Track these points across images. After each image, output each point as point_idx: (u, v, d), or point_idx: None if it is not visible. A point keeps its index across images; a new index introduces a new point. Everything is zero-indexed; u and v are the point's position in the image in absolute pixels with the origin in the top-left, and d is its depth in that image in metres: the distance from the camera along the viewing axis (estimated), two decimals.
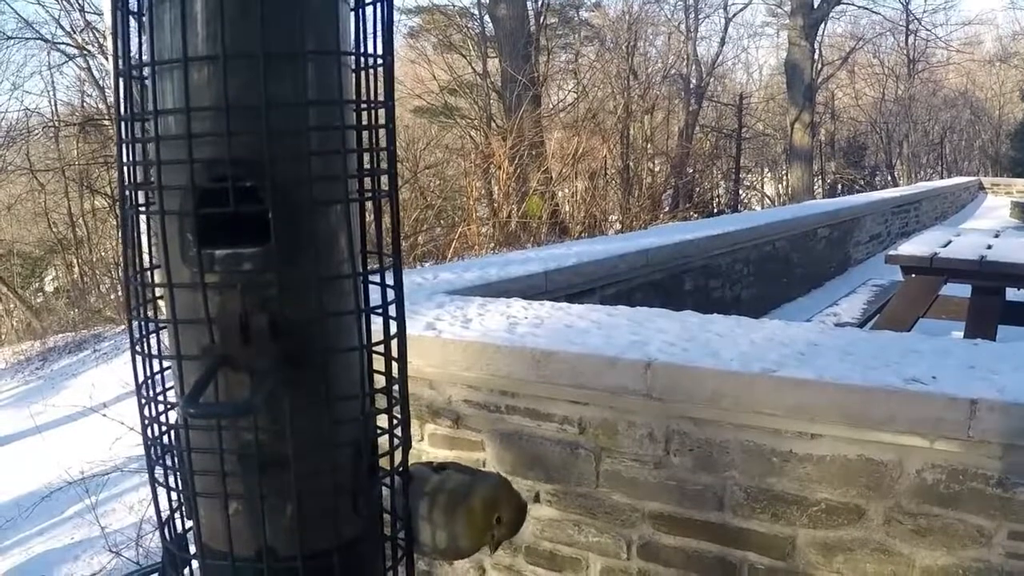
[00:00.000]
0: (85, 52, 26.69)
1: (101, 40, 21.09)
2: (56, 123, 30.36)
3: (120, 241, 1.27)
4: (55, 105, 32.14)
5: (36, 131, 30.36)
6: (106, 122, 27.49)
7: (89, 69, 28.88)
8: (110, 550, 7.30)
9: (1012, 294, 8.40)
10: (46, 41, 28.20)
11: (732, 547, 3.52)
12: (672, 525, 3.62)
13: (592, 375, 3.62)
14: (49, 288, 32.57)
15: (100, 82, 27.87)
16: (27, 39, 28.26)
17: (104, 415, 10.14)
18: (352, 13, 1.25)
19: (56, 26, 27.41)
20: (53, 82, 36.62)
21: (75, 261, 30.39)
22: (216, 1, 1.11)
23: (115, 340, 16.18)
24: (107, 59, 17.13)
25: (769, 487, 3.39)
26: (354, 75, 1.27)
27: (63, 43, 28.06)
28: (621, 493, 3.70)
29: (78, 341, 18.16)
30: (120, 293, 26.29)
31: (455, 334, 4.00)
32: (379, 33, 1.26)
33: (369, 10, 1.26)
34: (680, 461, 3.54)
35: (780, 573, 3.44)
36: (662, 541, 3.66)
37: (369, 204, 1.32)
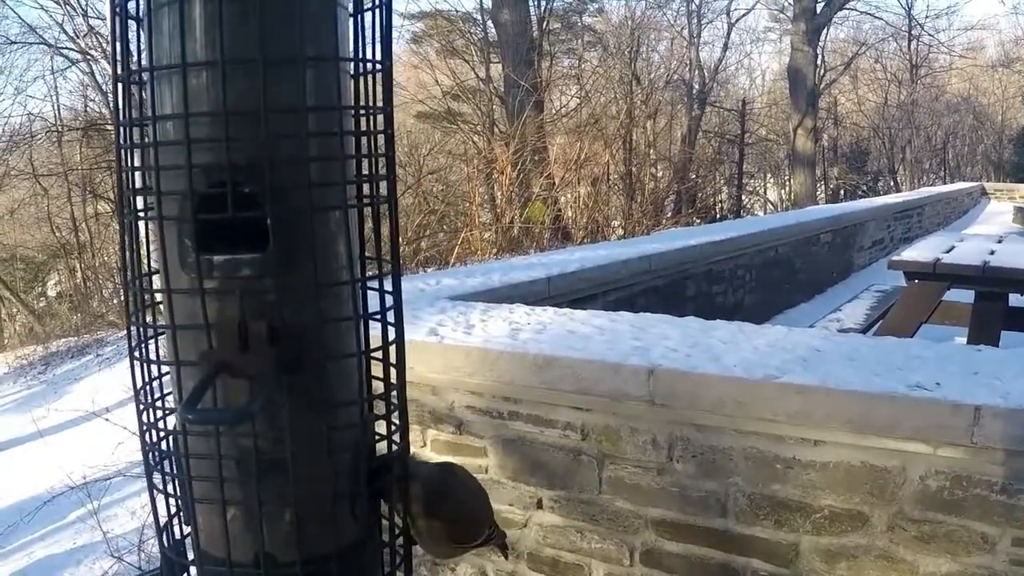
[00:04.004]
0: (88, 57, 26.71)
1: (104, 45, 21.09)
2: (59, 128, 30.32)
3: (120, 246, 1.27)
4: (58, 110, 32.12)
5: (39, 136, 30.31)
6: (109, 127, 27.50)
7: (92, 74, 28.90)
8: (112, 555, 7.29)
9: (1015, 300, 8.38)
10: (49, 46, 28.25)
11: (735, 554, 3.52)
12: (675, 532, 3.62)
13: (595, 381, 3.62)
14: (52, 293, 32.55)
15: (103, 87, 27.88)
16: (30, 44, 28.32)
17: (107, 420, 10.13)
18: (351, 19, 1.25)
19: (59, 31, 27.48)
20: (56, 87, 36.69)
21: (78, 266, 30.34)
22: (215, 7, 1.11)
23: (118, 345, 16.16)
24: (109, 64, 17.13)
25: (772, 494, 3.38)
26: (353, 81, 1.27)
27: (66, 48, 28.12)
28: (624, 499, 3.70)
29: (81, 346, 18.14)
30: (123, 298, 26.35)
31: (457, 340, 4.00)
32: (378, 38, 1.26)
33: (368, 16, 1.26)
34: (683, 467, 3.54)
35: None
36: (665, 548, 3.65)
37: (368, 210, 1.32)
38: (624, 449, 3.65)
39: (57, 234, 30.66)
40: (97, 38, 24.25)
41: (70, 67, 30.15)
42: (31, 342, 22.60)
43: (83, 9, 25.13)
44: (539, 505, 3.89)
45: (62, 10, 25.87)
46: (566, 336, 4.03)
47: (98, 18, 23.84)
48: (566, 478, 3.80)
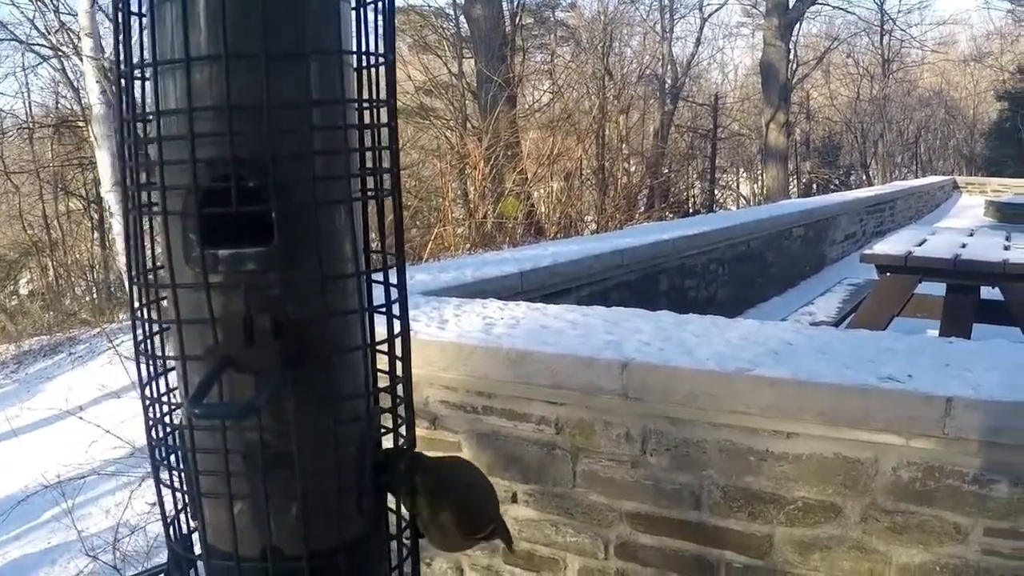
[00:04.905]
0: (60, 53, 26.47)
1: (76, 41, 20.90)
2: (30, 124, 30.16)
3: (124, 241, 1.28)
4: (29, 106, 31.92)
5: (10, 132, 30.17)
6: (80, 123, 27.36)
7: (64, 70, 28.70)
8: (87, 554, 7.25)
9: (987, 292, 8.42)
10: (20, 42, 27.90)
11: (709, 546, 3.53)
12: (649, 524, 3.63)
13: (568, 375, 3.62)
14: (24, 291, 32.28)
15: (75, 83, 27.73)
16: (1, 40, 28.08)
17: (80, 418, 10.08)
18: (353, 12, 1.26)
19: (31, 27, 27.24)
20: (27, 83, 36.51)
21: (50, 264, 30.13)
22: (218, 1, 1.12)
23: (90, 343, 16.04)
24: (82, 60, 16.99)
25: (746, 486, 3.41)
26: (356, 74, 1.28)
27: (37, 44, 27.87)
28: (598, 493, 3.71)
29: (53, 344, 17.99)
30: (95, 296, 26.18)
31: (431, 335, 4.00)
32: (380, 32, 1.28)
33: (370, 9, 1.27)
34: (657, 461, 3.56)
35: (758, 571, 3.45)
36: (639, 541, 3.67)
37: (370, 203, 1.33)
38: (598, 443, 3.67)
39: (29, 232, 30.44)
40: (69, 34, 24.03)
41: (41, 63, 29.98)
42: (3, 341, 22.43)
43: (55, 5, 24.85)
44: (514, 499, 3.90)
45: (33, 6, 25.65)
46: (539, 331, 4.04)
47: (70, 14, 23.61)
48: (540, 472, 3.81)
